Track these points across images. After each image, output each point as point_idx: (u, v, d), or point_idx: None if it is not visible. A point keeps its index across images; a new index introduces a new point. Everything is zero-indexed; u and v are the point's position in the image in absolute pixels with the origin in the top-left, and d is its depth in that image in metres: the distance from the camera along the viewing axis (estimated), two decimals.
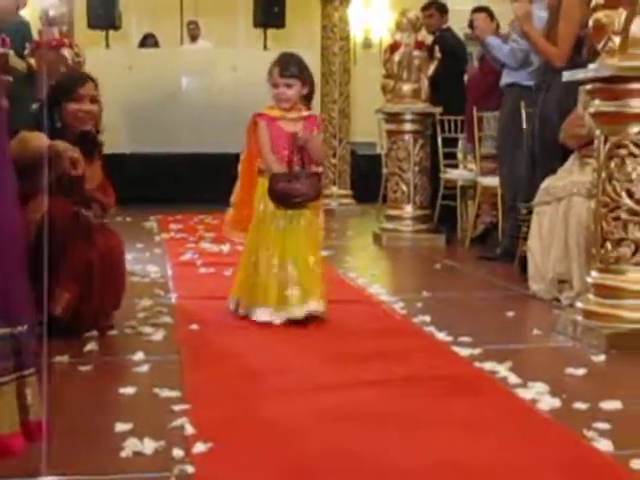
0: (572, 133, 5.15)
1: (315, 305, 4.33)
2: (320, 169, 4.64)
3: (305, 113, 4.51)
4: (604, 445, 2.73)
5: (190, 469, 2.50)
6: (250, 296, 4.43)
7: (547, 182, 5.11)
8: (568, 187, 4.92)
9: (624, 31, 3.98)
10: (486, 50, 7.10)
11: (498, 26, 7.72)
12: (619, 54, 4.00)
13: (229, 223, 4.67)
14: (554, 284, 5.00)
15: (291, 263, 4.35)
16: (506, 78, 6.59)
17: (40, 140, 3.85)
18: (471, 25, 7.41)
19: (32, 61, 7.18)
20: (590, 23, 4.17)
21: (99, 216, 4.18)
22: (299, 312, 4.30)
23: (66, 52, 7.14)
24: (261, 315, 4.34)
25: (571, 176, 5.00)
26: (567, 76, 4.44)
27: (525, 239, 5.62)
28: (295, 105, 4.48)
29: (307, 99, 4.57)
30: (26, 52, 7.19)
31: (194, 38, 12.60)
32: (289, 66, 4.45)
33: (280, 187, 4.33)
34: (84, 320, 4.08)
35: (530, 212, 5.44)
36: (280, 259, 4.36)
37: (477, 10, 7.69)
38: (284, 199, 4.35)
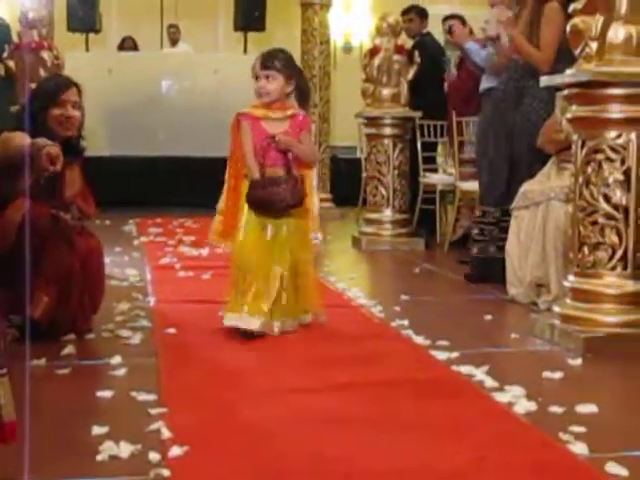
0: (550, 138, 5.18)
1: (289, 324, 4.25)
2: (313, 172, 4.43)
3: (290, 112, 4.26)
4: (579, 448, 2.74)
5: (166, 473, 2.49)
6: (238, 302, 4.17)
7: (525, 186, 5.13)
8: (546, 192, 4.94)
9: (601, 37, 4.01)
10: (465, 55, 7.14)
11: (471, 31, 7.75)
12: (596, 59, 4.02)
13: (216, 232, 4.41)
14: (532, 288, 5.02)
15: (274, 274, 4.17)
16: (485, 83, 6.62)
17: (22, 139, 3.83)
18: (449, 31, 7.44)
19: (11, 63, 7.17)
20: (567, 29, 4.20)
21: (77, 219, 4.17)
22: (254, 325, 4.07)
23: (45, 55, 7.14)
24: (231, 320, 4.13)
25: (549, 181, 5.03)
26: (545, 81, 4.46)
27: (492, 241, 5.70)
28: (280, 103, 4.25)
29: (302, 101, 4.35)
30: (5, 54, 7.18)
31: (174, 42, 12.59)
32: (271, 58, 4.25)
33: (257, 194, 4.12)
34: (63, 324, 4.07)
35: (504, 215, 5.51)
36: (265, 269, 4.15)
37: (450, 17, 7.74)
38: (263, 207, 4.15)
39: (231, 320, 4.11)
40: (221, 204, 4.38)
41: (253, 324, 4.06)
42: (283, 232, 4.22)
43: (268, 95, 4.20)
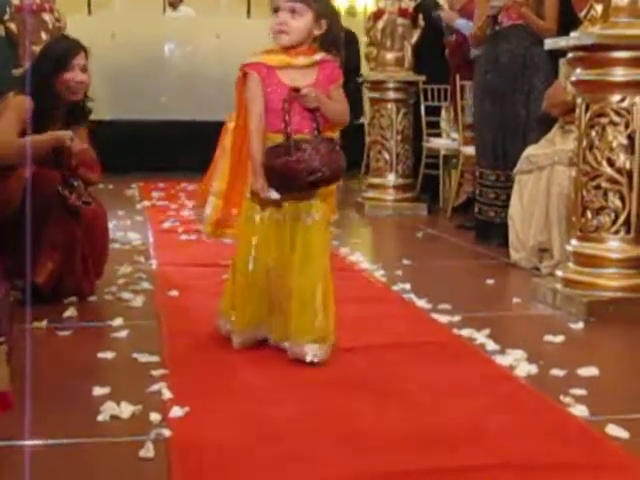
0: (555, 101, 5.17)
1: (310, 350, 3.18)
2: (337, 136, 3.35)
3: (318, 56, 3.20)
4: (580, 411, 2.75)
5: (167, 433, 2.50)
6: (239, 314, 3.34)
7: (529, 151, 5.12)
8: (550, 155, 4.92)
9: None
10: (461, 36, 7.18)
11: None
12: (601, 22, 3.99)
13: (212, 221, 3.41)
14: (534, 253, 5.02)
15: (290, 283, 3.21)
16: (475, 50, 6.61)
17: (52, 140, 4.00)
18: (438, 17, 7.52)
19: (12, 26, 7.13)
20: None
21: (81, 196, 4.14)
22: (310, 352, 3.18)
23: (47, 17, 7.10)
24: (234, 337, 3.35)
25: (553, 145, 5.01)
26: (549, 44, 4.43)
27: (492, 205, 5.73)
28: (304, 47, 3.19)
29: (331, 52, 3.25)
30: (6, 17, 7.14)
31: (174, 5, 12.50)
32: None
33: (281, 163, 3.05)
34: (67, 289, 4.10)
35: (501, 179, 5.57)
36: (280, 272, 3.25)
37: None
38: (289, 181, 3.07)
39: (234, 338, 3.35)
40: (219, 184, 3.37)
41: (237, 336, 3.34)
42: (307, 222, 3.21)
43: (288, 35, 3.14)
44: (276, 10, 3.15)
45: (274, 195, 3.13)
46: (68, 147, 3.97)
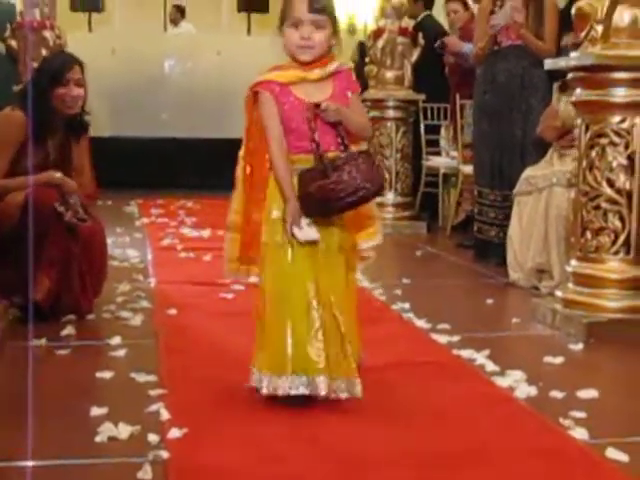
0: (548, 125, 5.20)
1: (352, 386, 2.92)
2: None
3: (333, 66, 2.97)
4: (580, 433, 2.74)
5: (165, 454, 2.49)
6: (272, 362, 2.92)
7: (527, 172, 5.13)
8: (549, 177, 4.93)
9: (607, 20, 3.98)
10: (463, 59, 7.20)
11: (473, 15, 7.71)
12: (601, 43, 4.00)
13: (233, 258, 3.09)
14: (533, 274, 5.01)
15: (334, 309, 2.91)
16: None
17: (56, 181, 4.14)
18: (442, 47, 7.52)
19: (13, 42, 7.14)
20: (573, 11, 4.17)
21: (77, 213, 4.14)
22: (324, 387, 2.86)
23: (47, 34, 7.11)
24: (283, 387, 2.87)
25: (552, 166, 5.02)
26: (549, 64, 4.43)
27: (492, 225, 5.74)
28: (320, 58, 2.96)
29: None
30: (7, 34, 7.16)
31: (176, 22, 12.54)
32: None
33: (317, 187, 2.79)
34: (65, 306, 4.09)
35: (500, 200, 5.58)
36: (318, 299, 2.90)
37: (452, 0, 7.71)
38: (328, 205, 2.82)
39: (270, 384, 2.89)
40: (234, 216, 3.07)
41: (299, 385, 2.87)
42: (336, 242, 2.97)
43: (312, 50, 2.92)
44: (296, 24, 2.90)
45: (312, 236, 2.86)
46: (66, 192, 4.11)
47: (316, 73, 2.94)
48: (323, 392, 2.83)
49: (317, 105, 2.86)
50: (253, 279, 3.14)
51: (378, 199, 7.54)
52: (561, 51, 5.30)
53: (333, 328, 2.88)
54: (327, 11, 2.94)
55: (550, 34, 5.69)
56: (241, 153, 3.05)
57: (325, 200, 2.79)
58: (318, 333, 2.85)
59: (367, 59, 8.00)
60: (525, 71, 5.71)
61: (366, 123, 3.09)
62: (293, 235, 2.86)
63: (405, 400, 3.05)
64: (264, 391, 2.87)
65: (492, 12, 5.83)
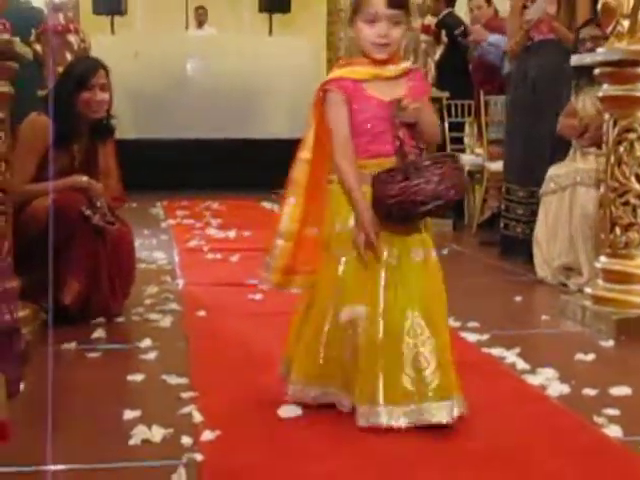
0: (567, 123, 5.18)
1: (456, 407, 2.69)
2: None
3: (406, 64, 2.83)
4: (613, 431, 2.72)
5: (199, 457, 2.48)
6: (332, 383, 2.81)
7: (552, 171, 5.11)
8: (572, 175, 4.93)
9: (633, 14, 3.95)
10: (487, 51, 7.17)
11: (496, 11, 7.69)
12: (628, 37, 3.97)
13: (280, 270, 2.89)
14: (560, 271, 5.00)
15: (413, 328, 2.66)
16: (508, 65, 6.63)
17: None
18: (464, 33, 7.50)
19: (38, 47, 7.17)
20: (599, 7, 4.16)
21: (105, 216, 4.16)
22: (439, 413, 2.65)
23: (72, 38, 7.14)
24: (376, 416, 2.67)
25: (575, 164, 5.00)
26: (575, 60, 4.41)
27: (519, 221, 5.72)
28: (392, 55, 2.78)
29: None
30: (32, 38, 7.18)
31: (201, 24, 12.57)
32: None
33: (399, 190, 2.57)
34: (95, 309, 4.11)
35: (530, 196, 5.56)
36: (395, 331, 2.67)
37: None
38: (408, 210, 2.60)
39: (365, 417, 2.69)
40: (291, 224, 2.86)
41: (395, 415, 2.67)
42: (415, 258, 2.75)
43: (388, 48, 2.73)
44: (372, 20, 2.71)
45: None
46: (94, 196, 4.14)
47: (390, 70, 2.75)
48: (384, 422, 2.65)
49: (398, 101, 2.65)
50: (295, 290, 2.94)
51: None
52: (579, 43, 5.26)
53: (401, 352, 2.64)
54: (405, 6, 2.76)
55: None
56: (303, 155, 2.83)
57: (406, 204, 2.56)
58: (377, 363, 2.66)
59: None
60: (557, 66, 5.67)
61: (438, 127, 2.89)
62: (366, 248, 2.66)
63: None
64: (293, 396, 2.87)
65: (524, 7, 5.80)
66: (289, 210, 2.85)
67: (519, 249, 5.75)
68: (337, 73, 2.78)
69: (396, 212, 2.60)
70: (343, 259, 2.71)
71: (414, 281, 2.69)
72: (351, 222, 2.71)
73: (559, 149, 5.50)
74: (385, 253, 2.68)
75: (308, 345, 2.80)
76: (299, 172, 2.83)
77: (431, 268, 2.77)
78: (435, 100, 7.74)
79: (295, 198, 2.84)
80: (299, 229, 2.85)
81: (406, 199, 2.55)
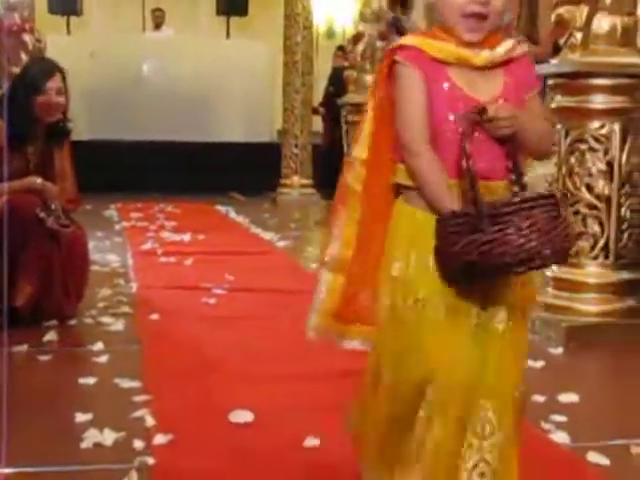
0: None
1: None
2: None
3: (507, 47, 1.94)
4: (561, 438, 2.76)
5: (150, 460, 2.49)
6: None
7: None
8: (528, 181, 4.96)
9: (586, 27, 4.01)
10: None
11: None
12: (581, 50, 4.03)
13: (326, 313, 2.10)
14: None
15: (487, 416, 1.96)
16: None
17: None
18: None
19: None
20: (552, 18, 4.21)
21: (59, 218, 4.14)
22: None
23: (27, 38, 7.09)
24: None
25: (533, 170, 5.05)
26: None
27: None
28: (488, 35, 1.93)
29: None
30: None
31: (158, 25, 12.54)
32: None
33: (463, 246, 1.79)
34: (47, 311, 4.09)
35: None
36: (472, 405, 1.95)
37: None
38: (478, 273, 1.83)
39: None
40: (341, 248, 2.08)
41: None
42: (500, 326, 1.95)
43: (485, 23, 1.91)
44: None
45: None
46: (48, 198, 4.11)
47: (484, 56, 1.92)
48: None
49: (481, 109, 1.86)
50: (354, 344, 2.12)
51: None
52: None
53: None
54: None
55: (545, 36, 5.68)
56: (357, 154, 2.05)
57: (475, 266, 1.79)
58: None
59: (346, 63, 8.03)
60: None
61: (550, 132, 2.10)
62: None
63: None
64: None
65: None
66: (339, 230, 2.09)
67: None
68: (411, 40, 1.94)
69: (459, 274, 1.86)
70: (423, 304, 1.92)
71: (496, 356, 1.95)
72: (425, 260, 1.91)
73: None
74: (471, 316, 1.93)
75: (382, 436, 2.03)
76: (352, 178, 2.06)
77: (512, 337, 1.98)
78: None
79: (346, 211, 2.08)
80: (354, 257, 2.07)
81: (473, 260, 1.78)
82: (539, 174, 4.95)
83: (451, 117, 1.88)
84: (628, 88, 4.03)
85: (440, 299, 1.90)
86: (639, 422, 2.99)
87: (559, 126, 4.19)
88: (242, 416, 2.85)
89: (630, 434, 2.82)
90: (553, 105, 4.22)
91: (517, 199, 1.81)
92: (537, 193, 1.85)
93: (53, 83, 4.15)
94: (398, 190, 1.99)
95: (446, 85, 1.90)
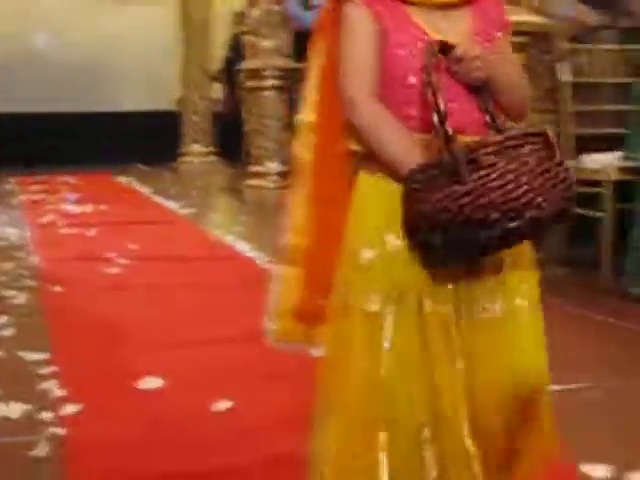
0: None
1: None
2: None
3: None
4: None
5: (60, 431, 2.47)
6: None
7: None
8: None
9: None
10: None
11: None
12: None
13: (285, 313, 1.75)
14: None
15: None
16: None
17: None
18: None
19: None
20: None
21: None
22: None
23: None
24: None
25: None
26: None
27: None
28: None
29: None
30: None
31: None
32: None
33: (438, 202, 1.47)
34: None
35: None
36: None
37: None
38: (460, 237, 1.48)
39: None
40: (295, 236, 1.74)
41: None
42: (480, 316, 1.61)
43: None
44: None
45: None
46: None
47: None
48: None
49: (445, 46, 1.57)
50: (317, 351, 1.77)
51: (260, 167, 7.78)
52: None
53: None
54: None
55: None
56: (305, 117, 1.73)
57: (454, 228, 1.46)
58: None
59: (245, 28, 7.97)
60: None
61: (523, 81, 1.72)
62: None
63: (297, 365, 3.05)
64: None
65: None
66: (293, 215, 1.73)
67: None
68: None
69: (437, 246, 1.50)
70: (386, 318, 1.56)
71: (486, 351, 1.58)
72: (395, 240, 1.58)
73: None
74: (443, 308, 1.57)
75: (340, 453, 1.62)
76: (301, 147, 1.72)
77: (520, 323, 1.60)
78: (289, 71, 7.74)
79: (301, 192, 1.72)
80: (313, 243, 1.71)
81: (454, 219, 1.46)
82: None
83: (413, 63, 1.58)
84: (523, 46, 4.08)
85: (416, 297, 1.55)
86: None
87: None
88: (151, 383, 2.84)
89: None
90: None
91: (499, 138, 1.51)
92: (523, 130, 1.53)
93: None
94: (359, 160, 1.64)
95: (405, 26, 1.61)
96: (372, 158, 1.60)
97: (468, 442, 1.56)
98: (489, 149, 1.47)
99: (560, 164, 1.49)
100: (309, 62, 1.73)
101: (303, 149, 1.71)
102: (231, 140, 10.05)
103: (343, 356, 1.60)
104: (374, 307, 1.56)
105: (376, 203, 1.61)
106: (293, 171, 1.73)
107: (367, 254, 1.59)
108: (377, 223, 1.59)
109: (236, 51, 9.69)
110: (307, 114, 1.72)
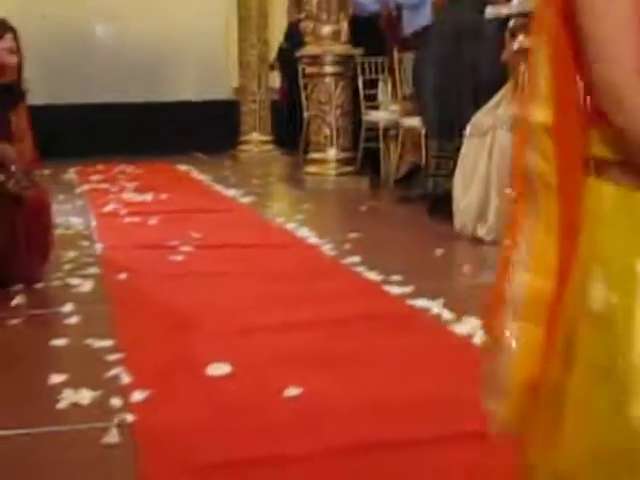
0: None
1: None
2: None
3: None
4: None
5: (130, 418, 2.46)
6: None
7: (474, 119, 5.10)
8: (492, 121, 4.92)
9: None
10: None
11: None
12: None
13: (519, 387, 1.30)
14: (471, 219, 4.97)
15: None
16: (420, 20, 6.67)
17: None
18: None
19: None
20: None
21: (20, 181, 4.07)
22: None
23: None
24: None
25: (497, 110, 4.99)
26: (490, 12, 4.43)
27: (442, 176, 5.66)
28: None
29: None
30: None
31: None
32: None
33: None
34: (14, 276, 4.01)
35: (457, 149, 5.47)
36: None
37: None
38: None
39: None
40: (533, 278, 1.28)
41: None
42: None
43: None
44: None
45: None
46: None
47: None
48: None
49: None
50: None
51: (319, 155, 7.74)
52: None
53: None
54: None
55: None
56: (541, 118, 1.27)
57: None
58: None
59: (302, 16, 7.94)
60: (475, 20, 5.61)
61: None
62: None
63: (361, 352, 3.04)
64: None
65: None
66: (526, 248, 1.30)
67: (448, 204, 5.61)
68: None
69: None
70: None
71: None
72: None
73: (482, 102, 5.43)
74: None
75: None
76: (535, 158, 1.28)
77: None
78: (349, 58, 7.71)
79: (538, 217, 1.29)
80: (556, 290, 1.27)
81: None
82: (500, 113, 4.88)
83: None
84: None
85: None
86: None
87: (522, 67, 4.16)
88: (220, 369, 2.82)
89: None
90: (515, 46, 4.19)
91: None
92: None
93: (4, 43, 4.07)
94: (597, 169, 1.21)
95: None
96: (633, 167, 1.16)
97: None
98: None
99: None
100: (531, 46, 1.37)
101: (542, 160, 1.26)
102: (288, 128, 10.06)
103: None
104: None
105: (629, 225, 1.17)
106: (520, 186, 1.31)
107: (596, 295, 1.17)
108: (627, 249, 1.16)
109: (292, 39, 9.67)
110: (543, 114, 1.26)
